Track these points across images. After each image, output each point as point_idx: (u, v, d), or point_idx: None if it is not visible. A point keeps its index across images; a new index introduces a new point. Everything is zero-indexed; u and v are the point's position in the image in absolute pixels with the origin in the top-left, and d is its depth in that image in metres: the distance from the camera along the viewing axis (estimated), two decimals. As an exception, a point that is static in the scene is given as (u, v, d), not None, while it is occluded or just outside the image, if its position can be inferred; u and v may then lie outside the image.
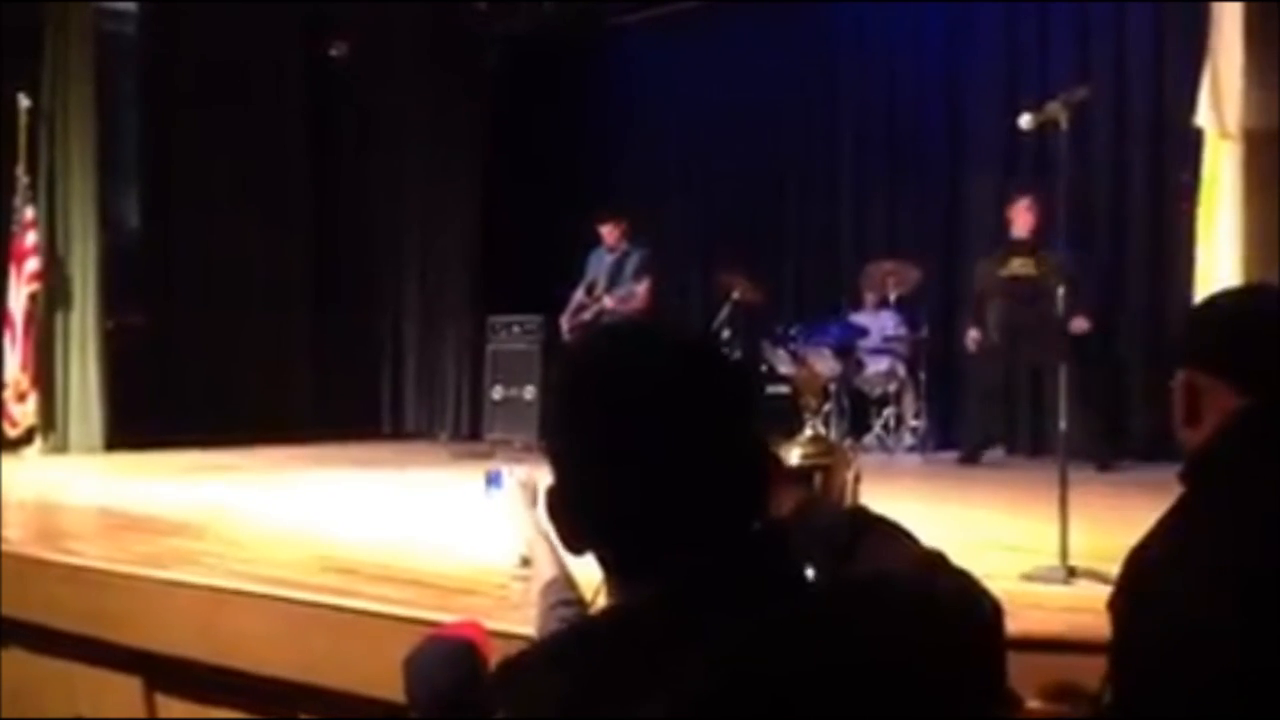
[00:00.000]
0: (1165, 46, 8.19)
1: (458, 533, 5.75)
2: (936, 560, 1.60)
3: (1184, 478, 1.93)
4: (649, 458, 1.31)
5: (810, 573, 1.56)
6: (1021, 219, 8.53)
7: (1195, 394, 1.93)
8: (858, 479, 3.84)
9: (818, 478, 3.66)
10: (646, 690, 1.18)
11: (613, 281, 9.83)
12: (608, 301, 9.78)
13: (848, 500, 3.69)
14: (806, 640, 1.22)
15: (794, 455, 3.84)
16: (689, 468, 1.32)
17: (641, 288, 9.69)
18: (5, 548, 5.66)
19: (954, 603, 1.42)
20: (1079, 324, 7.89)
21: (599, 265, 9.95)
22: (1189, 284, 4.86)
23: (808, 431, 4.00)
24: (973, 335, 8.73)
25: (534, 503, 3.05)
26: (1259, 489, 1.78)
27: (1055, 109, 4.69)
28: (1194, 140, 4.79)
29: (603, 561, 1.38)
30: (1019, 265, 8.53)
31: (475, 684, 2.73)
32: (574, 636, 1.36)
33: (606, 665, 1.22)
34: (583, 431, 1.36)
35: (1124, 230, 8.68)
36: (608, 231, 9.95)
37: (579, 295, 9.96)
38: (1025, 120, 4.85)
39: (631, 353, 1.38)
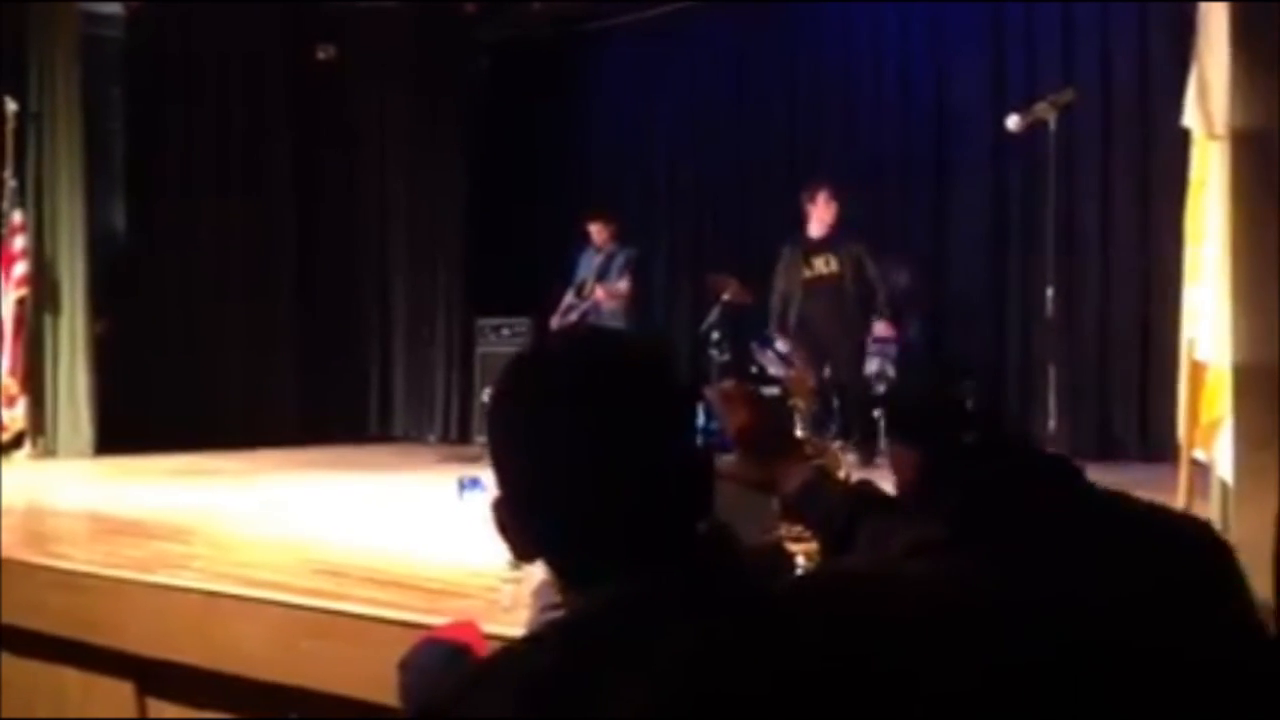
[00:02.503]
0: (1150, 46, 8.20)
1: (447, 536, 5.75)
2: (931, 543, 1.60)
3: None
4: (587, 464, 1.30)
5: None
6: (820, 214, 8.37)
7: (895, 465, 2.10)
8: (849, 479, 3.85)
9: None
10: (592, 705, 1.17)
11: (601, 280, 9.85)
12: (599, 294, 9.78)
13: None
14: (755, 651, 1.20)
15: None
16: (628, 474, 1.31)
17: (625, 283, 9.71)
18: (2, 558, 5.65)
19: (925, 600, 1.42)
20: (881, 329, 7.89)
21: (588, 265, 9.96)
22: (1178, 284, 4.87)
23: (799, 433, 4.02)
24: (780, 347, 8.39)
25: None
26: None
27: (1043, 109, 4.71)
28: (1181, 140, 4.80)
29: (552, 569, 1.38)
30: (821, 265, 8.39)
31: None
32: (522, 649, 1.34)
33: (553, 679, 1.21)
34: (521, 438, 1.35)
35: (1111, 230, 8.69)
36: (596, 231, 9.96)
37: (569, 296, 9.97)
38: (1013, 122, 4.88)
39: (571, 360, 1.37)
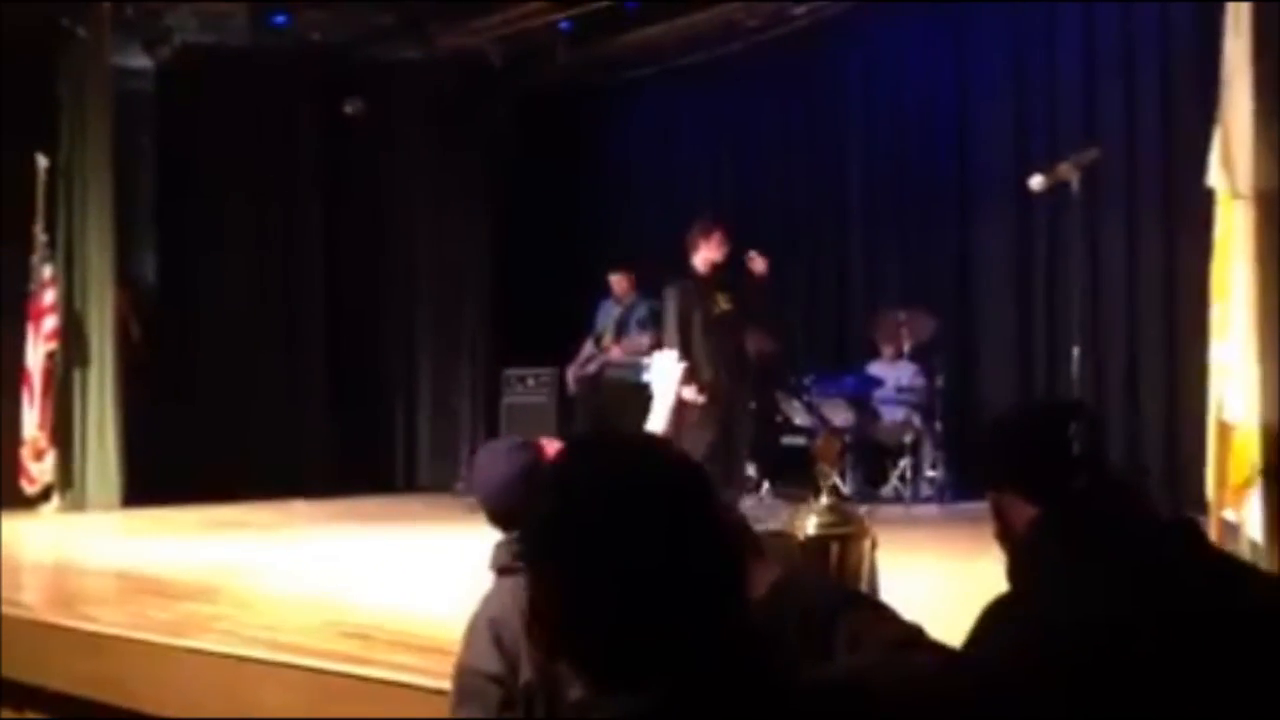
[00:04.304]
0: (1175, 105, 8.19)
1: (474, 594, 5.72)
2: (916, 638, 1.62)
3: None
4: (613, 578, 1.34)
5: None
6: (716, 252, 8.08)
7: (1000, 511, 2.13)
8: (874, 546, 3.81)
9: (835, 547, 3.64)
10: None
11: (620, 333, 9.86)
12: (614, 352, 9.78)
13: (865, 569, 3.66)
14: None
15: (810, 524, 3.82)
16: (654, 586, 1.34)
17: (647, 338, 9.66)
18: (25, 614, 5.68)
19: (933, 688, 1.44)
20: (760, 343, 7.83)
21: (607, 316, 9.98)
22: (1204, 342, 4.85)
23: (824, 500, 3.99)
24: (692, 391, 7.71)
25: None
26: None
27: (1066, 170, 4.71)
28: (1206, 199, 4.79)
29: (578, 671, 1.40)
30: (724, 301, 8.12)
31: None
32: None
33: None
34: (549, 552, 1.40)
35: (1137, 288, 8.64)
36: (616, 281, 9.98)
37: (587, 347, 9.98)
38: (1036, 181, 4.86)
39: (599, 471, 1.42)
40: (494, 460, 3.06)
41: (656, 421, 3.51)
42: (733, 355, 8.13)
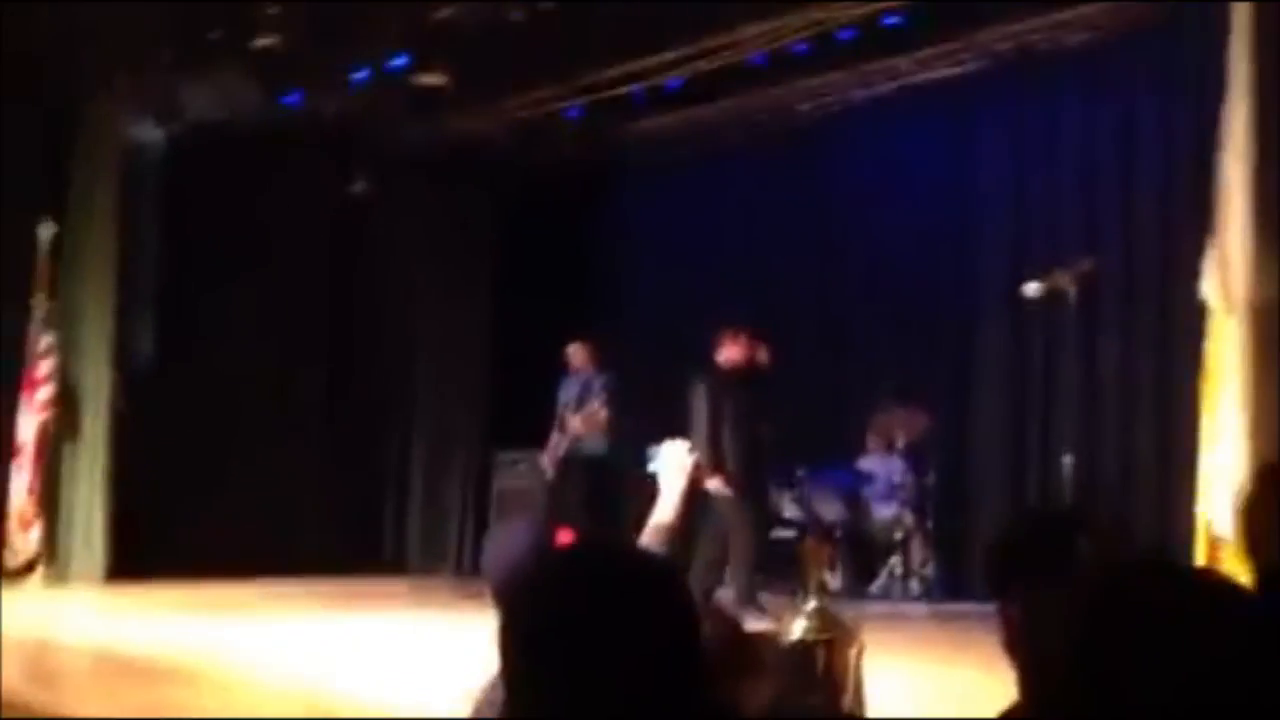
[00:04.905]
0: (1172, 218, 8.21)
1: (457, 684, 5.61)
2: None
3: None
4: (589, 692, 1.38)
5: None
6: (742, 353, 8.33)
7: (1009, 622, 2.06)
8: (861, 652, 3.76)
9: (821, 653, 3.59)
10: None
11: (579, 407, 9.77)
12: (574, 424, 9.70)
13: (851, 676, 3.60)
14: None
15: (798, 628, 3.76)
16: (625, 691, 1.38)
17: (602, 412, 9.64)
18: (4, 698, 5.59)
19: None
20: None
21: (567, 394, 9.90)
22: (1195, 453, 4.82)
23: (811, 604, 3.92)
24: (718, 483, 8.05)
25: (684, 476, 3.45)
26: None
27: (1061, 278, 4.71)
28: (1200, 310, 4.79)
29: None
30: (745, 397, 8.34)
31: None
32: None
33: None
34: (530, 672, 1.44)
35: (1131, 398, 8.63)
36: (574, 353, 9.91)
37: (554, 434, 9.90)
38: (1031, 288, 4.86)
39: (568, 592, 1.45)
40: (505, 541, 3.12)
41: (663, 513, 3.49)
42: (755, 450, 8.32)
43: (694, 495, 3.57)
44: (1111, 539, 2.23)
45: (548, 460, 9.87)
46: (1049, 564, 2.06)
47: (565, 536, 3.34)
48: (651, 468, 3.71)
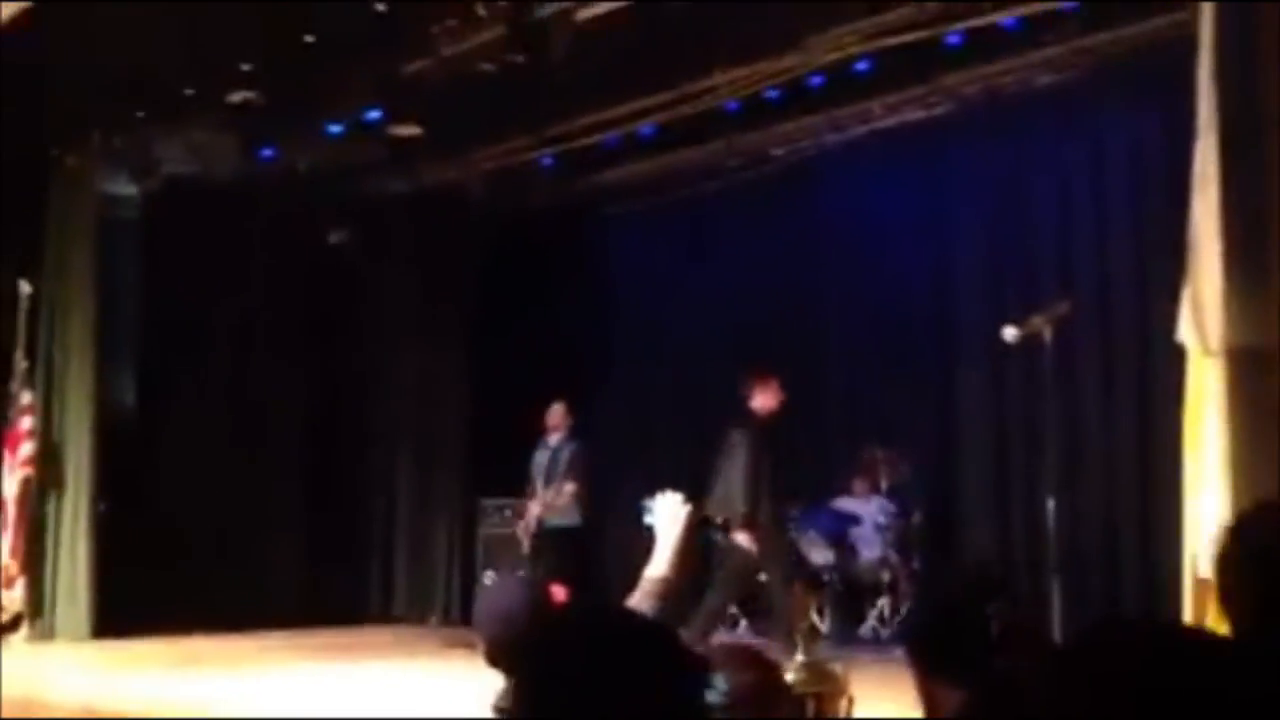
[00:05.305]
0: (1147, 261, 8.30)
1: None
2: None
3: None
4: None
5: None
6: (773, 400, 8.32)
7: (930, 700, 2.10)
8: (852, 704, 3.78)
9: (810, 705, 3.61)
10: None
11: (549, 479, 9.77)
12: (533, 508, 9.71)
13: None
14: None
15: (788, 678, 3.78)
16: None
17: (570, 487, 9.67)
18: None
19: None
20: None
21: (538, 463, 9.89)
22: (1179, 495, 4.86)
23: (800, 656, 3.94)
24: (747, 538, 8.07)
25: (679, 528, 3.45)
26: None
27: (1038, 323, 4.76)
28: (1179, 353, 4.84)
29: None
30: (775, 451, 8.35)
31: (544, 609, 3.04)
32: None
33: None
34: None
35: (1113, 442, 8.70)
36: (552, 415, 9.89)
37: (528, 503, 9.89)
38: (1009, 334, 4.92)
39: (576, 654, 1.51)
40: (498, 597, 3.20)
41: (657, 566, 3.52)
42: (778, 498, 8.37)
43: (691, 547, 3.59)
44: (1020, 606, 2.25)
45: (521, 531, 9.87)
46: (960, 638, 2.09)
47: (558, 593, 3.38)
48: (646, 520, 3.74)
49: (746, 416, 8.34)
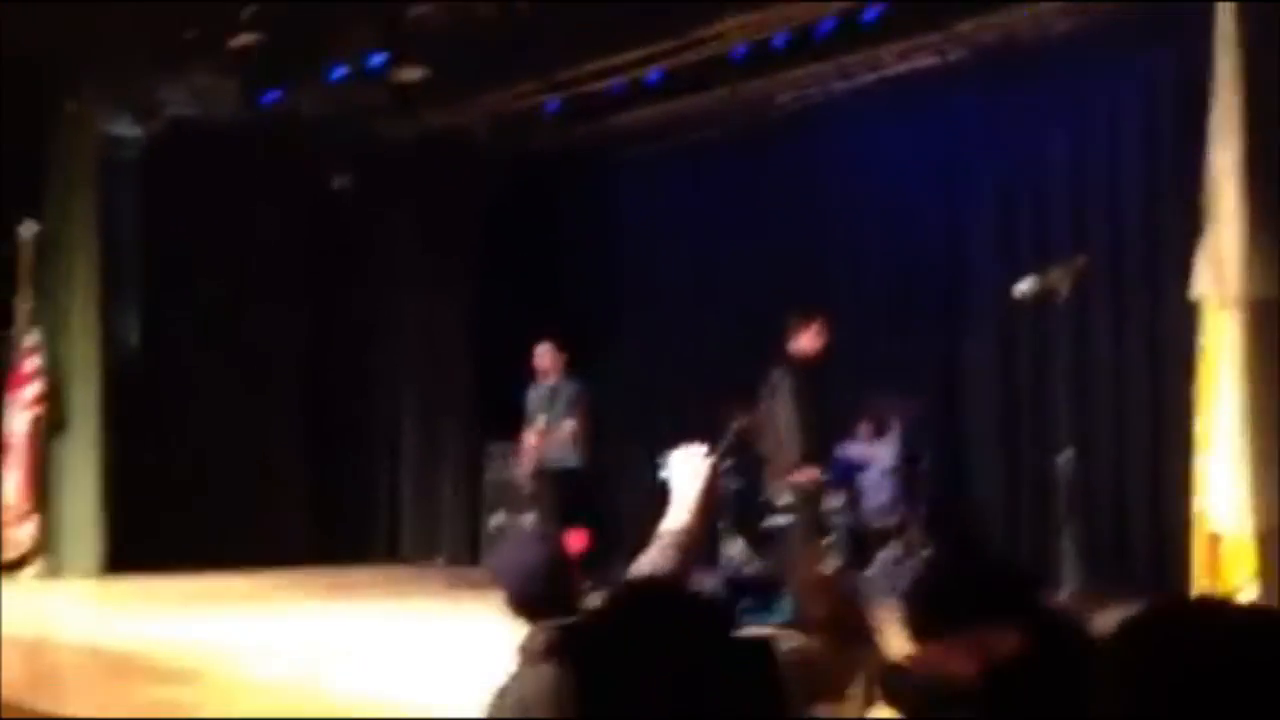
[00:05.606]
0: (1160, 209, 8.27)
1: (456, 676, 5.64)
2: None
3: None
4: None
5: None
6: (816, 341, 8.35)
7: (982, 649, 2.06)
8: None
9: (827, 659, 3.64)
10: None
11: (547, 419, 9.70)
12: (530, 440, 9.66)
13: (856, 682, 3.65)
14: None
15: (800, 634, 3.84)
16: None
17: (569, 424, 9.61)
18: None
19: None
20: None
21: (535, 402, 9.83)
22: (1188, 451, 4.88)
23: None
24: (808, 474, 8.28)
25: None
26: None
27: (1056, 277, 4.74)
28: (1190, 309, 4.85)
29: None
30: (820, 392, 8.39)
31: (565, 566, 3.14)
32: None
33: None
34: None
35: (1124, 397, 8.64)
36: (541, 357, 9.78)
37: (529, 437, 9.85)
38: (1025, 286, 4.88)
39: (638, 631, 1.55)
40: (517, 551, 3.25)
41: (674, 519, 3.56)
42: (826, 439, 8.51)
43: (713, 499, 3.61)
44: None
45: (523, 471, 9.83)
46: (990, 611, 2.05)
47: (576, 542, 3.45)
48: (662, 475, 3.77)
49: (788, 358, 8.39)
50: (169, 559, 9.54)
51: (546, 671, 3.00)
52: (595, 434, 9.86)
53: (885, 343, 9.96)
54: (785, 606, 1.75)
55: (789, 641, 3.16)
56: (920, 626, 2.11)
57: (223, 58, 9.69)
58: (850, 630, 2.03)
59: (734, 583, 8.36)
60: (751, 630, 2.29)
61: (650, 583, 1.79)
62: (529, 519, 9.75)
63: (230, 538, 10.31)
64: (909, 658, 2.12)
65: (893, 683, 1.93)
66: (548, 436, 9.63)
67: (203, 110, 10.63)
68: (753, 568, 9.24)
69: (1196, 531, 4.62)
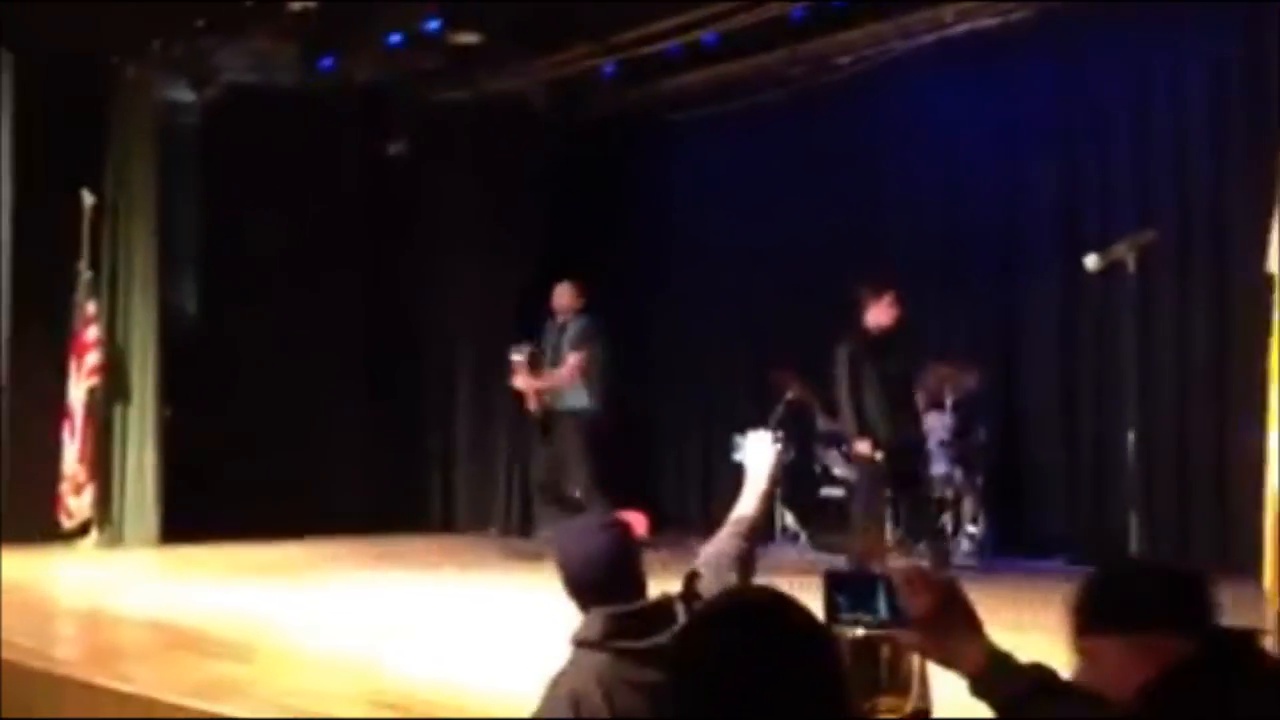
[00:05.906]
0: (1227, 195, 8.05)
1: (511, 653, 5.63)
2: None
3: None
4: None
5: None
6: (886, 314, 8.33)
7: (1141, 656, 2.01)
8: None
9: (885, 650, 3.56)
10: None
11: (556, 355, 9.53)
12: (518, 380, 9.49)
13: (916, 673, 3.56)
14: None
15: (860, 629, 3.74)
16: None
17: (573, 358, 9.37)
18: (59, 670, 5.67)
19: None
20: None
21: (548, 341, 9.64)
22: (1259, 429, 4.75)
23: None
24: (867, 447, 8.31)
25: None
26: None
27: (1122, 250, 4.61)
28: (1259, 286, 4.70)
29: None
30: (892, 365, 8.39)
31: (630, 554, 3.16)
32: None
33: None
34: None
35: (1189, 374, 8.46)
36: (559, 293, 9.58)
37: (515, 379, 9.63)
38: (1091, 261, 4.76)
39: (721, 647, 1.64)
40: (580, 538, 3.21)
41: (746, 505, 3.54)
42: (904, 412, 8.49)
43: (774, 485, 3.62)
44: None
45: (532, 406, 9.65)
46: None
47: (636, 524, 3.42)
48: (736, 457, 3.78)
49: (853, 330, 8.41)
50: (226, 528, 9.63)
51: (600, 660, 2.97)
52: (602, 372, 9.59)
53: (941, 311, 9.84)
54: (882, 604, 1.70)
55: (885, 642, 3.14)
56: (1089, 622, 2.12)
57: (281, 23, 9.68)
58: (956, 627, 1.98)
59: (832, 579, 8.31)
60: (850, 630, 2.26)
61: (753, 594, 1.84)
62: (577, 490, 9.45)
63: (286, 508, 10.35)
64: (1074, 652, 2.13)
65: (989, 677, 1.90)
66: (544, 379, 9.46)
67: (261, 76, 10.64)
68: (824, 547, 9.23)
69: (1270, 510, 4.49)
